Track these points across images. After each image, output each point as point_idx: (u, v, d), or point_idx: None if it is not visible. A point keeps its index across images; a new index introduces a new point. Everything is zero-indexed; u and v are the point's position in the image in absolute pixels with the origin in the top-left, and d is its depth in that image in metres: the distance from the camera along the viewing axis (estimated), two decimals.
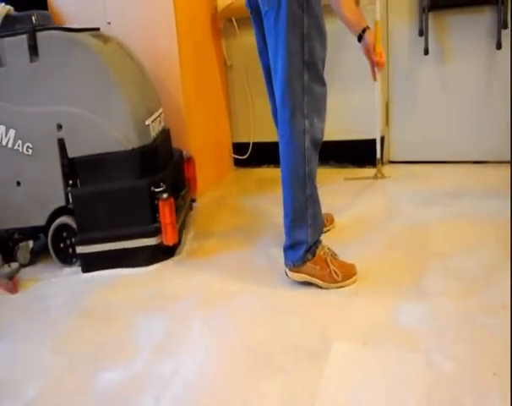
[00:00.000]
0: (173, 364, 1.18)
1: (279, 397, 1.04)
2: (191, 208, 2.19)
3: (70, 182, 1.72)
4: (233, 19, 2.57)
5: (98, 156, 1.68)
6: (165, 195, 1.65)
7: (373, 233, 1.52)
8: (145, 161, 1.70)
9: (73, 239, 1.73)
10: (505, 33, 2.19)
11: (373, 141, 2.43)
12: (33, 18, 1.69)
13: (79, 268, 1.73)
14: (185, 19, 2.22)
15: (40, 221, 1.77)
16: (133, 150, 1.67)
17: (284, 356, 1.16)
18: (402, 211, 1.95)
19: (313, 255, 1.45)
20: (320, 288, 1.43)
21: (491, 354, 1.09)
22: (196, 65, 2.34)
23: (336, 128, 2.40)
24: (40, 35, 1.65)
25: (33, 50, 1.65)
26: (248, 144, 2.71)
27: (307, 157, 1.41)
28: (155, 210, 1.68)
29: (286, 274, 1.48)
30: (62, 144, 1.69)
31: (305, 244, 1.44)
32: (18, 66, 1.67)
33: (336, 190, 2.26)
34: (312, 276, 1.45)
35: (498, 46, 2.21)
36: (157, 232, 1.68)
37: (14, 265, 1.68)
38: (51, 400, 1.11)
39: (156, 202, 1.67)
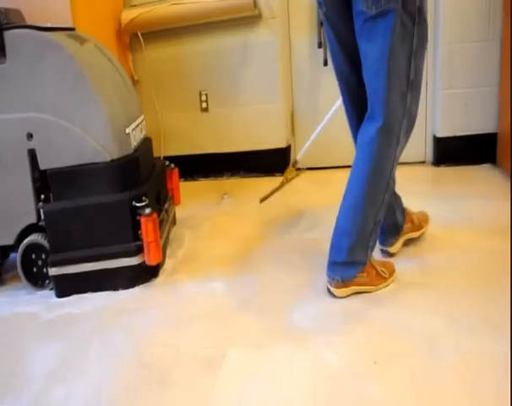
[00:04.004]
0: (65, 391, 1.13)
1: None
2: (174, 222, 2.04)
3: (42, 197, 1.54)
4: (139, 34, 2.53)
5: (73, 168, 1.52)
6: (147, 211, 1.52)
7: (272, 240, 1.62)
8: (126, 174, 1.56)
9: (44, 260, 1.57)
10: None
11: (281, 150, 2.56)
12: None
13: (49, 291, 1.59)
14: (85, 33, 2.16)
15: (9, 239, 1.57)
16: (113, 161, 1.53)
17: (179, 368, 1.17)
18: (303, 214, 2.03)
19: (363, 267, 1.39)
20: (225, 298, 1.46)
21: (372, 345, 1.18)
22: None
23: (247, 139, 2.54)
24: (8, 33, 1.46)
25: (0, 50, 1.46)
26: (158, 158, 2.70)
27: (389, 186, 1.34)
28: (136, 226, 1.54)
29: (329, 291, 1.40)
30: (32, 154, 1.52)
31: (362, 264, 1.38)
32: None
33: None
34: (361, 285, 1.39)
35: None
36: (139, 250, 1.55)
37: None
38: None
39: (138, 218, 1.53)
